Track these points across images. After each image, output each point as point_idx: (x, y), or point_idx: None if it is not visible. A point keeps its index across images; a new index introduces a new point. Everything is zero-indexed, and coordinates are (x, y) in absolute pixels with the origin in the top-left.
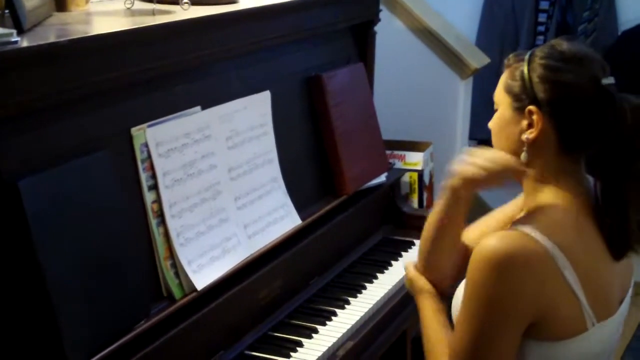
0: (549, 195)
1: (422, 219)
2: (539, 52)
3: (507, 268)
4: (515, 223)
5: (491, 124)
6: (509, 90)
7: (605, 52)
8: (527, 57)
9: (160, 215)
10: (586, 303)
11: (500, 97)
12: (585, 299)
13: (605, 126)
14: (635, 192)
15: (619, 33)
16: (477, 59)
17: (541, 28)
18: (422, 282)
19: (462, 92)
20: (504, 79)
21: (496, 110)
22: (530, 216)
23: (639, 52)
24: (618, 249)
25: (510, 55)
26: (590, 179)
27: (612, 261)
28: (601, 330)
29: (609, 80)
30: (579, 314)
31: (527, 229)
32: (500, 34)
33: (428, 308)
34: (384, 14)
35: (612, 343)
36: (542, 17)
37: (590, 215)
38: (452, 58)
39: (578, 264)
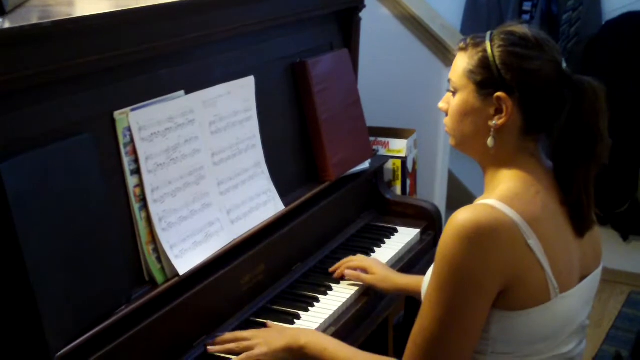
0: (510, 174)
1: (405, 205)
2: (498, 38)
3: (475, 238)
4: (479, 199)
5: (447, 107)
6: (471, 77)
7: (589, 42)
8: (488, 42)
9: (143, 200)
10: (551, 273)
11: (462, 82)
12: (550, 268)
13: (566, 106)
14: (595, 171)
15: (603, 22)
16: None
17: (526, 17)
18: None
19: (446, 79)
20: (463, 64)
21: (452, 92)
22: (493, 192)
23: (622, 42)
24: (581, 226)
25: (468, 39)
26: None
27: (575, 237)
28: (563, 301)
29: (564, 63)
30: (544, 284)
31: (492, 202)
32: (485, 22)
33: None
34: (369, 0)
35: (575, 319)
36: (526, 6)
37: (552, 192)
38: (436, 45)
39: (542, 234)
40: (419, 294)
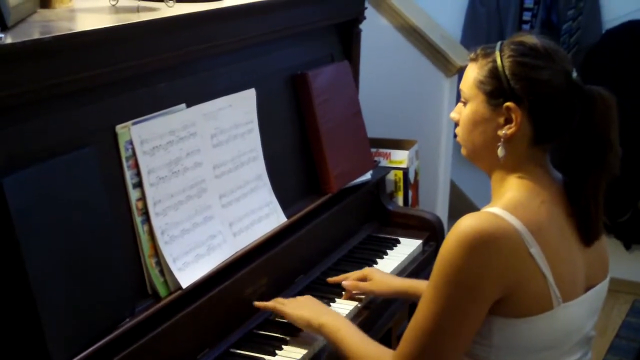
0: (517, 183)
1: (407, 217)
2: (508, 48)
3: (476, 245)
4: (486, 208)
5: (459, 117)
6: (481, 87)
7: (589, 51)
8: (498, 52)
9: (145, 213)
10: (553, 281)
11: (472, 92)
12: (552, 277)
13: (577, 116)
14: (605, 181)
15: (603, 32)
16: (462, 57)
17: (526, 26)
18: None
19: (447, 90)
20: (473, 74)
21: (463, 102)
22: (499, 201)
23: (623, 51)
24: (589, 235)
25: (478, 49)
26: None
27: (580, 247)
28: (566, 310)
29: (575, 73)
30: (546, 292)
31: (496, 210)
32: (485, 32)
33: (347, 332)
34: (369, 11)
35: (580, 329)
36: (526, 16)
37: (558, 203)
38: (437, 56)
39: (545, 243)
40: (417, 297)
